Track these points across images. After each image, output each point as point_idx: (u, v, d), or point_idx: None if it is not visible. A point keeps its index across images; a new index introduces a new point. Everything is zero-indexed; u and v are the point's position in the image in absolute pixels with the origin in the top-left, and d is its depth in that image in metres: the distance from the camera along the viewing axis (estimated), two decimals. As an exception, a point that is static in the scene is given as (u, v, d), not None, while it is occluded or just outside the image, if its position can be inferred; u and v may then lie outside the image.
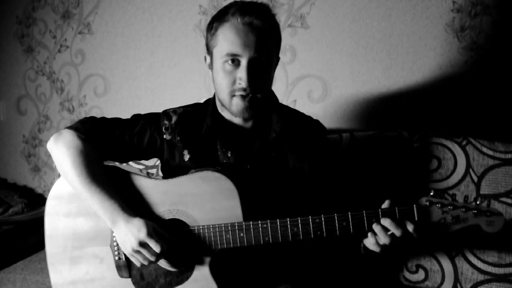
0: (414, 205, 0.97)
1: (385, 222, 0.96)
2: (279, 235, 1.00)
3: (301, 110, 1.25)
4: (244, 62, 1.02)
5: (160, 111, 1.19)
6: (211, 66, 1.11)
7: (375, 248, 0.99)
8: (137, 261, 1.02)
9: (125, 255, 1.07)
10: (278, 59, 1.14)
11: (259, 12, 1.03)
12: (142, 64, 2.02)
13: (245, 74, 1.02)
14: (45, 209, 1.13)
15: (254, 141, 1.14)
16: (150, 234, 0.98)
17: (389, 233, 0.96)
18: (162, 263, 1.07)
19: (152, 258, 0.99)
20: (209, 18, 1.10)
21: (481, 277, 1.24)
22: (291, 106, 1.47)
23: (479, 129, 1.45)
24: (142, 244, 0.98)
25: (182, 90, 1.95)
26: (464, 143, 1.29)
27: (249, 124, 1.14)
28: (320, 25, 1.64)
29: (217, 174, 1.04)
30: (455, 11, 1.45)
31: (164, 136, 1.15)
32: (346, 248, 1.20)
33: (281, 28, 1.13)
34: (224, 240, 1.02)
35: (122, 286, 1.09)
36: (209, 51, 1.10)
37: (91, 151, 1.08)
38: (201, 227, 1.03)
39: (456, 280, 1.27)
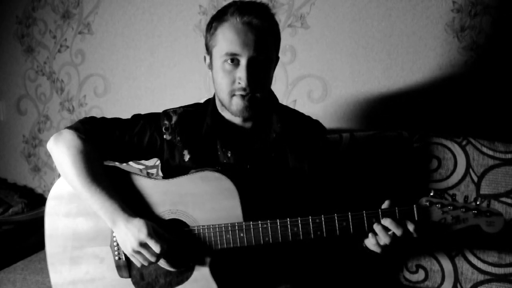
0: (414, 205, 0.97)
1: (386, 222, 0.96)
2: (279, 235, 1.00)
3: (301, 110, 1.25)
4: (243, 61, 1.02)
5: (160, 111, 1.19)
6: (210, 66, 1.11)
7: (376, 249, 0.99)
8: (137, 261, 1.02)
9: (125, 255, 1.07)
10: (277, 58, 1.14)
11: (258, 11, 1.03)
12: (142, 64, 2.02)
13: (245, 73, 1.02)
14: (45, 209, 1.13)
15: (254, 141, 1.14)
16: (150, 234, 0.98)
17: (389, 233, 0.96)
18: (162, 263, 1.07)
19: (152, 259, 0.99)
20: (209, 18, 1.10)
21: (481, 277, 1.24)
22: (291, 106, 1.47)
23: (479, 129, 1.45)
24: (142, 245, 0.98)
25: (182, 90, 1.95)
26: (464, 143, 1.29)
27: (249, 124, 1.14)
28: (320, 25, 1.64)
29: (217, 174, 1.04)
30: (455, 11, 1.45)
31: (164, 136, 1.15)
32: (346, 248, 1.20)
33: (281, 28, 1.13)
34: (224, 240, 1.02)
35: (122, 286, 1.09)
36: (209, 51, 1.10)
37: (91, 151, 1.08)
38: (201, 227, 1.03)
39: (456, 280, 1.27)
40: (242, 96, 1.05)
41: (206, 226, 1.03)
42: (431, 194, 0.97)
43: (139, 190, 1.08)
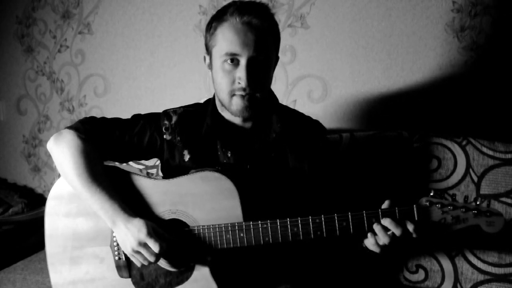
0: (414, 205, 0.97)
1: (385, 221, 0.96)
2: (279, 235, 1.00)
3: (301, 110, 1.25)
4: (243, 61, 1.02)
5: (160, 111, 1.19)
6: (210, 66, 1.11)
7: (375, 249, 0.99)
8: (137, 261, 1.02)
9: (125, 255, 1.07)
10: (277, 58, 1.14)
11: (257, 11, 1.03)
12: (142, 64, 2.02)
13: (244, 73, 1.02)
14: (45, 209, 1.13)
15: (254, 141, 1.14)
16: (149, 234, 0.98)
17: (389, 232, 0.96)
18: (162, 263, 1.07)
19: (152, 258, 0.99)
20: (209, 18, 1.10)
21: (481, 277, 1.24)
22: (291, 106, 1.47)
23: (479, 129, 1.45)
24: (142, 244, 0.98)
25: (182, 90, 1.95)
26: (464, 143, 1.29)
27: (249, 124, 1.14)
28: (320, 25, 1.64)
29: (217, 174, 1.04)
30: (455, 11, 1.45)
31: (164, 136, 1.15)
32: (346, 249, 1.20)
33: (281, 28, 1.13)
34: (224, 240, 1.02)
35: (122, 286, 1.09)
36: (208, 51, 1.10)
37: (91, 151, 1.08)
38: (201, 227, 1.03)
39: (456, 280, 1.27)
40: (242, 96, 1.05)
41: (206, 226, 1.03)
42: (431, 194, 0.97)
43: (139, 190, 1.08)
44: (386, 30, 1.54)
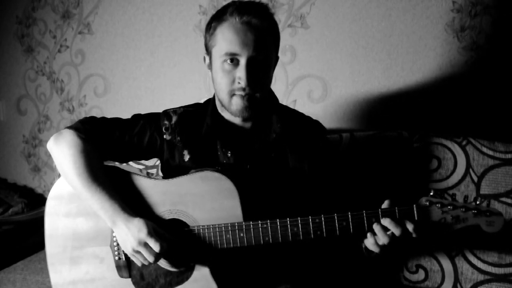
0: (414, 205, 0.97)
1: (385, 221, 0.96)
2: (279, 235, 1.00)
3: (301, 110, 1.25)
4: (243, 61, 1.02)
5: (160, 111, 1.19)
6: (210, 66, 1.11)
7: (374, 248, 0.99)
8: (137, 261, 1.02)
9: (125, 255, 1.07)
10: (277, 58, 1.14)
11: (257, 11, 1.03)
12: (142, 64, 2.02)
13: (244, 73, 1.02)
14: (45, 209, 1.13)
15: (254, 141, 1.14)
16: (150, 234, 0.98)
17: (388, 232, 0.96)
18: (162, 263, 1.07)
19: (152, 258, 0.99)
20: (209, 18, 1.11)
21: (481, 277, 1.24)
22: (291, 106, 1.47)
23: (479, 129, 1.45)
24: (143, 244, 0.98)
25: (182, 90, 1.95)
26: (464, 143, 1.29)
27: (249, 124, 1.14)
28: (320, 25, 1.64)
29: (217, 174, 1.04)
30: (455, 11, 1.45)
31: (164, 136, 1.15)
32: (346, 248, 1.20)
33: (281, 28, 1.13)
34: (224, 240, 1.02)
35: (122, 286, 1.09)
36: (208, 51, 1.10)
37: (92, 151, 1.08)
38: (201, 227, 1.03)
39: (456, 280, 1.27)
40: (242, 96, 1.05)
41: (206, 226, 1.03)
42: (431, 194, 0.97)
43: (139, 190, 1.08)
44: (386, 30, 1.54)
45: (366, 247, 1.05)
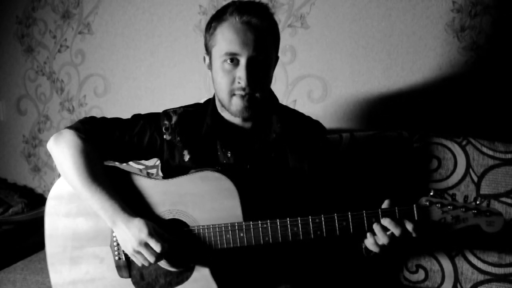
0: (414, 205, 0.97)
1: (385, 221, 0.96)
2: (279, 235, 1.00)
3: (301, 110, 1.25)
4: (243, 61, 1.02)
5: (160, 111, 1.19)
6: (210, 66, 1.11)
7: (374, 248, 0.99)
8: (138, 261, 1.02)
9: (125, 255, 1.07)
10: (277, 58, 1.14)
11: (257, 11, 1.03)
12: (142, 64, 2.02)
13: (244, 73, 1.02)
14: (45, 209, 1.13)
15: (254, 142, 1.14)
16: (150, 234, 0.98)
17: (388, 233, 0.96)
18: (162, 263, 1.07)
19: (152, 258, 0.99)
20: (209, 18, 1.11)
21: (481, 277, 1.24)
22: (291, 106, 1.47)
23: (479, 129, 1.45)
24: (143, 244, 0.98)
25: (182, 90, 1.95)
26: (464, 143, 1.29)
27: (249, 125, 1.14)
28: (320, 25, 1.64)
29: (217, 174, 1.04)
30: (455, 11, 1.45)
31: (164, 136, 1.15)
32: (346, 248, 1.20)
33: (281, 28, 1.13)
34: (224, 240, 1.02)
35: (122, 286, 1.09)
36: (208, 51, 1.10)
37: (92, 151, 1.08)
38: (201, 227, 1.03)
39: (456, 280, 1.27)
40: (242, 96, 1.05)
41: (206, 226, 1.03)
42: (431, 194, 0.97)
43: (139, 190, 1.08)
44: (386, 30, 1.54)
45: (366, 247, 1.05)
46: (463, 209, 0.95)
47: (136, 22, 1.99)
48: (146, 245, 0.98)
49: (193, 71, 1.91)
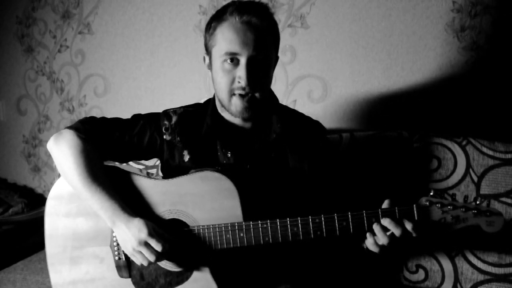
0: (414, 205, 0.97)
1: (385, 222, 0.96)
2: (279, 235, 1.00)
3: (301, 110, 1.25)
4: (243, 60, 1.02)
5: (160, 111, 1.19)
6: (210, 66, 1.11)
7: (374, 248, 0.99)
8: (137, 261, 1.02)
9: (125, 255, 1.07)
10: (277, 58, 1.14)
11: (257, 10, 1.03)
12: (142, 64, 2.02)
13: (244, 72, 1.02)
14: (45, 209, 1.13)
15: (254, 142, 1.14)
16: (151, 234, 0.98)
17: (388, 233, 0.96)
18: (162, 263, 1.07)
19: (153, 258, 0.99)
20: (209, 18, 1.11)
21: (481, 277, 1.24)
22: (291, 106, 1.47)
23: (479, 129, 1.45)
24: (143, 244, 0.98)
25: (182, 90, 1.95)
26: (464, 143, 1.29)
27: (249, 125, 1.14)
28: (320, 25, 1.64)
29: (217, 174, 1.04)
30: (455, 11, 1.45)
31: (164, 137, 1.15)
32: (346, 248, 1.20)
33: (281, 28, 1.13)
34: (224, 240, 1.02)
35: (122, 286, 1.09)
36: (208, 51, 1.10)
37: (92, 151, 1.08)
38: (201, 227, 1.03)
39: (456, 280, 1.27)
40: (242, 96, 1.05)
41: (206, 226, 1.03)
42: (431, 194, 0.97)
43: (139, 190, 1.08)
44: (386, 30, 1.54)
45: (366, 247, 1.05)
46: (463, 209, 0.95)
47: (136, 22, 1.99)
48: (147, 245, 0.98)
49: (193, 71, 1.91)
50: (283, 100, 1.72)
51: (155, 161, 1.64)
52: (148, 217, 1.03)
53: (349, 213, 0.98)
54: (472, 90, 1.46)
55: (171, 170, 1.15)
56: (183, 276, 1.06)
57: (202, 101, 1.23)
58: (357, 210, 0.98)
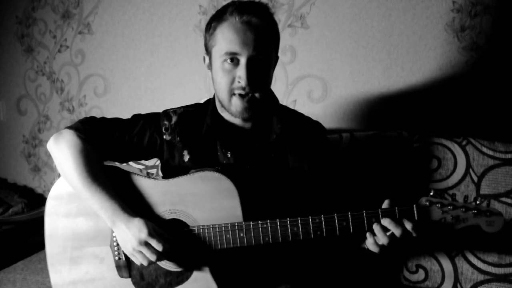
0: (414, 205, 0.97)
1: (385, 222, 0.96)
2: (279, 235, 1.00)
3: (301, 110, 1.25)
4: (243, 60, 1.02)
5: (160, 111, 1.19)
6: (210, 66, 1.11)
7: (374, 248, 0.99)
8: (137, 260, 1.02)
9: (125, 255, 1.07)
10: (277, 58, 1.14)
11: (257, 10, 1.03)
12: (142, 64, 2.02)
13: (244, 72, 1.02)
14: (45, 209, 1.13)
15: (254, 142, 1.14)
16: (151, 234, 0.98)
17: (388, 233, 0.96)
18: (162, 263, 1.07)
19: (153, 258, 0.99)
20: (209, 18, 1.11)
21: (481, 277, 1.24)
22: (291, 106, 1.47)
23: (479, 129, 1.45)
24: (143, 244, 0.98)
25: (182, 90, 1.95)
26: (464, 143, 1.29)
27: (249, 125, 1.14)
28: (320, 25, 1.64)
29: (217, 174, 1.04)
30: (455, 11, 1.45)
31: (164, 137, 1.15)
32: (346, 248, 1.20)
33: (281, 28, 1.13)
34: (224, 240, 1.02)
35: (122, 286, 1.09)
36: (208, 51, 1.10)
37: (91, 151, 1.08)
38: (201, 227, 1.03)
39: (456, 280, 1.27)
40: (242, 96, 1.05)
41: (206, 226, 1.03)
42: (431, 194, 0.97)
43: (139, 190, 1.08)
44: (386, 30, 1.54)
45: (366, 247, 1.05)
46: (463, 209, 0.95)
47: (136, 22, 1.99)
48: (147, 245, 0.98)
49: (193, 71, 1.91)
50: (283, 100, 1.72)
51: (155, 161, 1.64)
52: (148, 217, 1.03)
53: (349, 213, 0.98)
54: (472, 90, 1.46)
55: (171, 170, 1.15)
56: (183, 276, 1.06)
57: (202, 101, 1.23)
58: (357, 210, 0.98)
